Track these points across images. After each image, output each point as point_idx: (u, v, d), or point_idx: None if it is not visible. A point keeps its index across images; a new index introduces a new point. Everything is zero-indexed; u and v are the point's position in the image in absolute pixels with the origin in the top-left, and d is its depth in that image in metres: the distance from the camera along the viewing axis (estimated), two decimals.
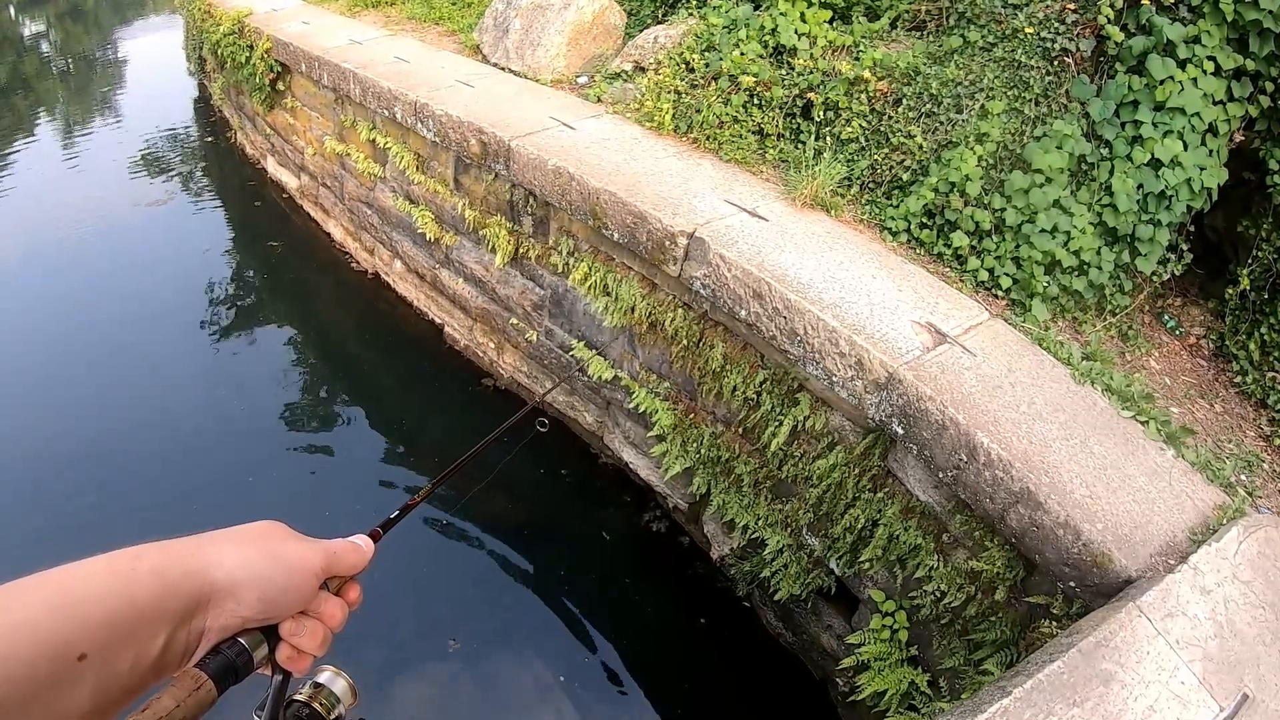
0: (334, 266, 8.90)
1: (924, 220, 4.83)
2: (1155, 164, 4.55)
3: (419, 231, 7.09)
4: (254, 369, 7.62)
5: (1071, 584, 3.24)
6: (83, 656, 0.73)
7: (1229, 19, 4.39)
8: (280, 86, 9.11)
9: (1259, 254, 4.77)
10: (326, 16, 9.45)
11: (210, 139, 12.46)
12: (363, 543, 1.14)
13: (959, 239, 4.66)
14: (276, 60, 8.80)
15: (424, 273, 7.53)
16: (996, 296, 4.58)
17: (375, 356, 7.96)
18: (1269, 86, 4.54)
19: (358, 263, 8.77)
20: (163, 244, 9.55)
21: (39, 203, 10.43)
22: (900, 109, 5.14)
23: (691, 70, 5.95)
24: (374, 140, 7.36)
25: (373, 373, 7.79)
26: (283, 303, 8.76)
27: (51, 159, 12.05)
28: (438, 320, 7.70)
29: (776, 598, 4.88)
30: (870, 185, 5.13)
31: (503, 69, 7.20)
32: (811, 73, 5.49)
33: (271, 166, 10.49)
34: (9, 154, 12.21)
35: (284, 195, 10.21)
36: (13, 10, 26.07)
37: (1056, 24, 4.87)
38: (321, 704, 1.13)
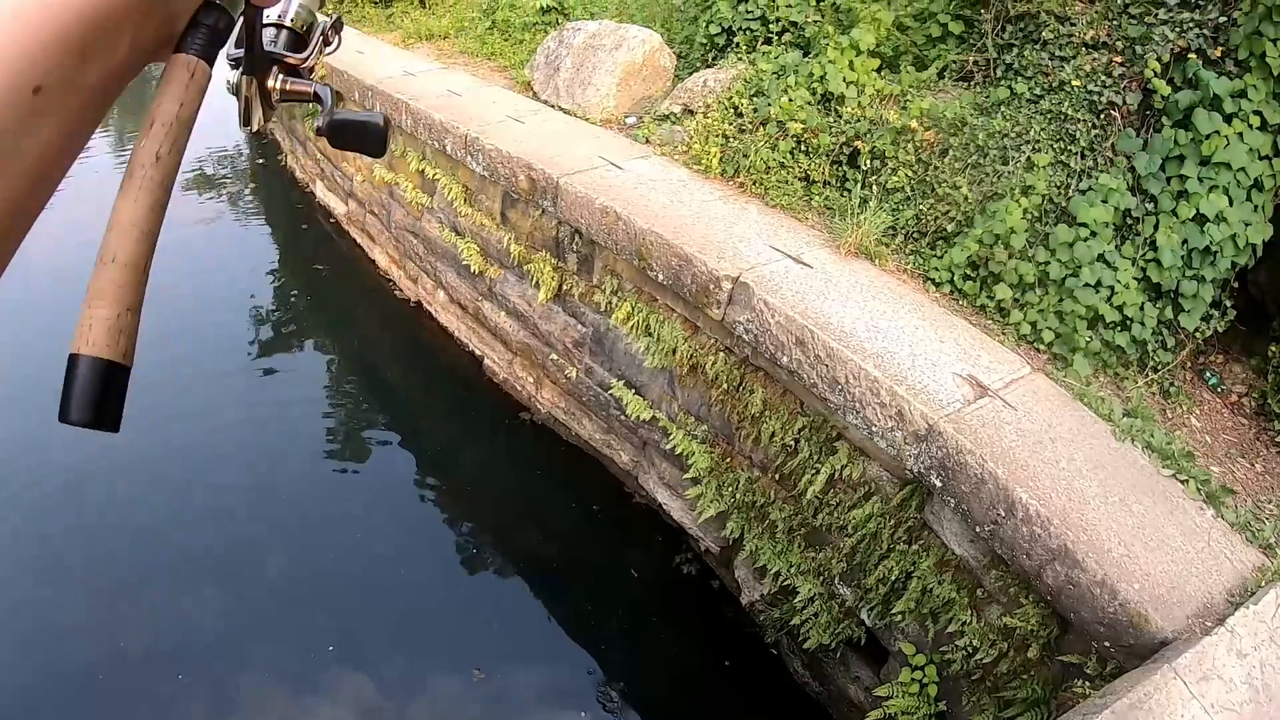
0: (377, 293, 9.01)
1: (967, 272, 4.84)
2: (1200, 219, 4.52)
3: (464, 263, 7.17)
4: (294, 389, 7.72)
5: (1106, 644, 3.22)
6: (38, 89, 0.62)
7: (1275, 73, 4.38)
8: None
9: None
10: (381, 46, 9.64)
11: (261, 160, 12.67)
12: None
13: (1002, 291, 4.66)
14: (330, 87, 8.95)
15: (466, 304, 7.61)
16: (1038, 350, 4.58)
17: (414, 384, 8.05)
18: None
19: (401, 290, 8.87)
20: (210, 262, 9.69)
21: (88, 213, 10.64)
22: (946, 159, 5.17)
23: (740, 115, 6.02)
24: (423, 171, 7.48)
25: (411, 400, 7.87)
26: (325, 326, 8.88)
27: (102, 170, 12.27)
28: (478, 352, 7.74)
29: (805, 646, 4.86)
30: (915, 235, 5.15)
31: (553, 106, 7.32)
32: (859, 121, 5.55)
33: (320, 191, 10.66)
34: None
35: (331, 220, 10.36)
36: None
37: (1103, 77, 4.89)
38: (293, 21, 0.96)
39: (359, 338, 8.83)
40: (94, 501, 6.03)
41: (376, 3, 11.51)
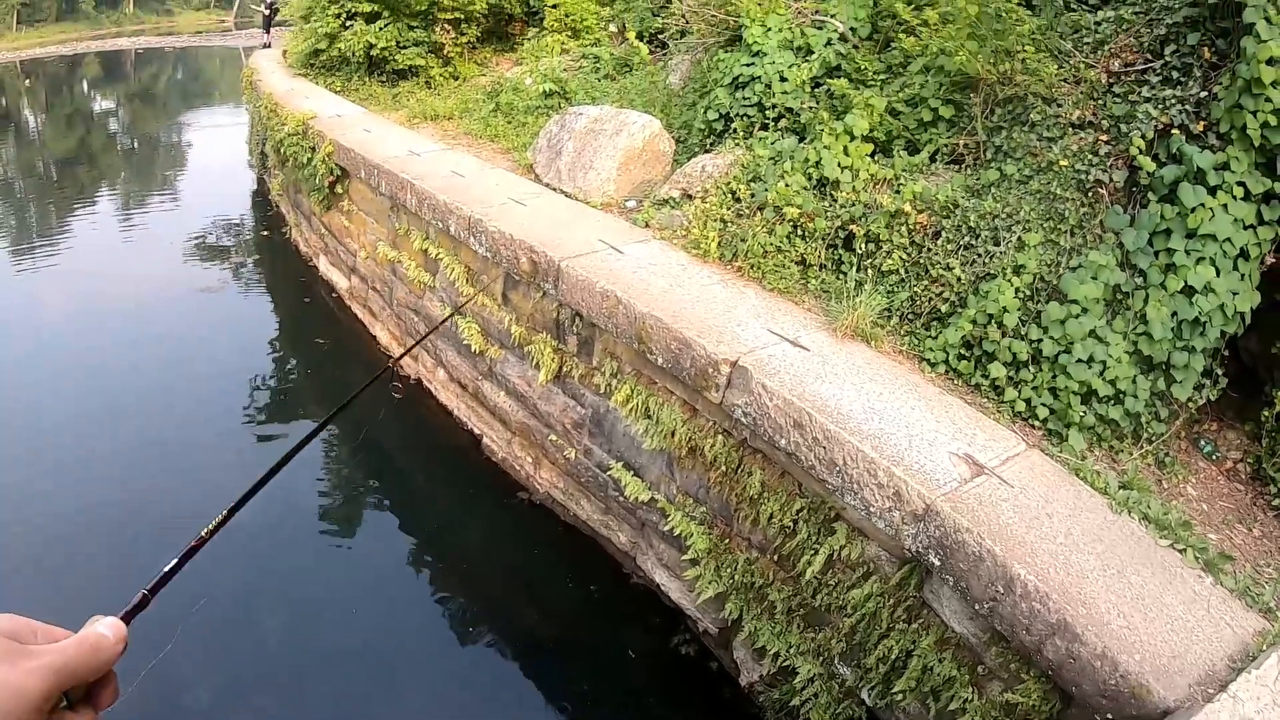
0: (377, 369, 9.03)
1: (962, 351, 4.90)
2: (1189, 291, 4.57)
3: (464, 342, 7.25)
4: (292, 461, 7.73)
5: (1109, 716, 3.19)
6: None
7: (1256, 144, 4.46)
8: (339, 189, 9.47)
9: None
10: (387, 126, 9.87)
11: (265, 232, 12.85)
12: (108, 631, 0.89)
13: (996, 370, 4.72)
14: (337, 164, 9.16)
15: (466, 383, 7.66)
16: (1033, 427, 4.62)
17: (412, 461, 8.05)
18: None
19: (401, 368, 8.95)
20: (211, 329, 9.84)
21: (92, 275, 10.77)
22: (939, 241, 5.26)
23: (738, 200, 6.15)
24: (426, 250, 7.61)
25: (408, 477, 7.88)
26: (324, 399, 8.91)
27: (108, 233, 12.43)
28: (477, 431, 7.76)
29: None
30: (910, 316, 5.23)
31: (554, 189, 7.47)
32: (854, 205, 5.65)
33: (323, 265, 10.80)
34: (68, 222, 12.61)
35: (333, 295, 10.50)
36: (85, 85, 27.28)
37: (1090, 156, 5.00)
38: None
39: (358, 412, 8.87)
40: (87, 563, 6.06)
41: (384, 82, 11.82)
